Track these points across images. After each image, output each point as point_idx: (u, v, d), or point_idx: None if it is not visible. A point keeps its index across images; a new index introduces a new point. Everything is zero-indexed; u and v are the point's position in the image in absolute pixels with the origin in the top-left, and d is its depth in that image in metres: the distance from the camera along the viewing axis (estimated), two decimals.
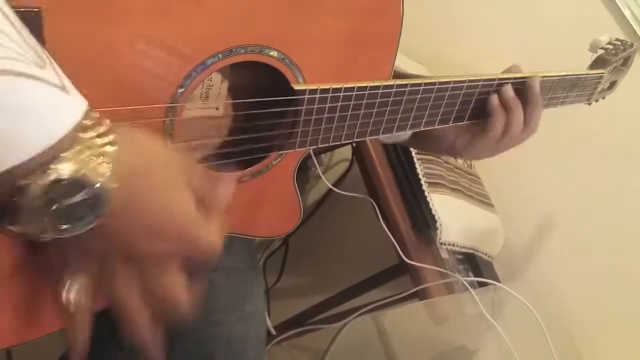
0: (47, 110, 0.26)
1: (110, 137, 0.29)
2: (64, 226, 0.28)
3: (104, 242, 0.32)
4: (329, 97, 0.48)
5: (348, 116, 0.51)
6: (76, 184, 0.28)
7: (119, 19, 0.36)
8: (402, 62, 1.11)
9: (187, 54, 0.40)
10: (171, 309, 0.36)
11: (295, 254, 1.32)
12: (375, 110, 0.52)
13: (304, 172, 1.28)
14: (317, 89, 0.47)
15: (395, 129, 0.56)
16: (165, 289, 0.35)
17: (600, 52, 0.73)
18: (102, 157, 0.28)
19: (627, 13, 1.04)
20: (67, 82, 0.28)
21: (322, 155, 1.29)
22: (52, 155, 0.27)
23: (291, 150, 0.51)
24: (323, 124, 0.50)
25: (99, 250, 0.33)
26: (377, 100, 0.52)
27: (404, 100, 0.54)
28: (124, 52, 0.37)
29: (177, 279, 0.36)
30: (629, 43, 0.75)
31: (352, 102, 0.50)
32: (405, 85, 0.52)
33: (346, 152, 1.26)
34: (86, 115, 0.28)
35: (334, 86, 0.47)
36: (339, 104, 0.49)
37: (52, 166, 0.27)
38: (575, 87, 0.71)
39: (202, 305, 0.62)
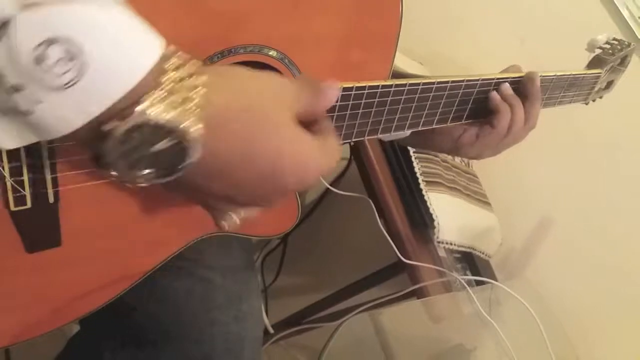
0: (129, 46, 0.25)
1: (202, 78, 0.27)
2: (147, 172, 0.26)
3: (207, 183, 0.31)
4: None
5: (346, 116, 0.51)
6: (160, 129, 0.25)
7: None
8: (402, 62, 1.11)
9: (186, 53, 0.40)
10: None
11: (293, 253, 1.32)
12: (373, 110, 0.52)
13: None
14: None
15: (393, 128, 0.56)
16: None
17: (598, 51, 0.73)
18: (189, 102, 0.26)
19: (625, 13, 1.04)
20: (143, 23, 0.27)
21: None
22: (134, 97, 0.25)
23: None
24: None
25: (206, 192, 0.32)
26: (376, 100, 0.52)
27: (402, 100, 0.54)
28: None
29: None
30: (626, 42, 0.75)
31: (350, 102, 0.50)
32: (404, 85, 0.52)
33: (344, 151, 1.26)
34: (172, 54, 0.27)
35: None
36: (338, 103, 0.49)
37: (137, 108, 0.25)
38: (572, 87, 0.71)
39: (199, 304, 0.61)
